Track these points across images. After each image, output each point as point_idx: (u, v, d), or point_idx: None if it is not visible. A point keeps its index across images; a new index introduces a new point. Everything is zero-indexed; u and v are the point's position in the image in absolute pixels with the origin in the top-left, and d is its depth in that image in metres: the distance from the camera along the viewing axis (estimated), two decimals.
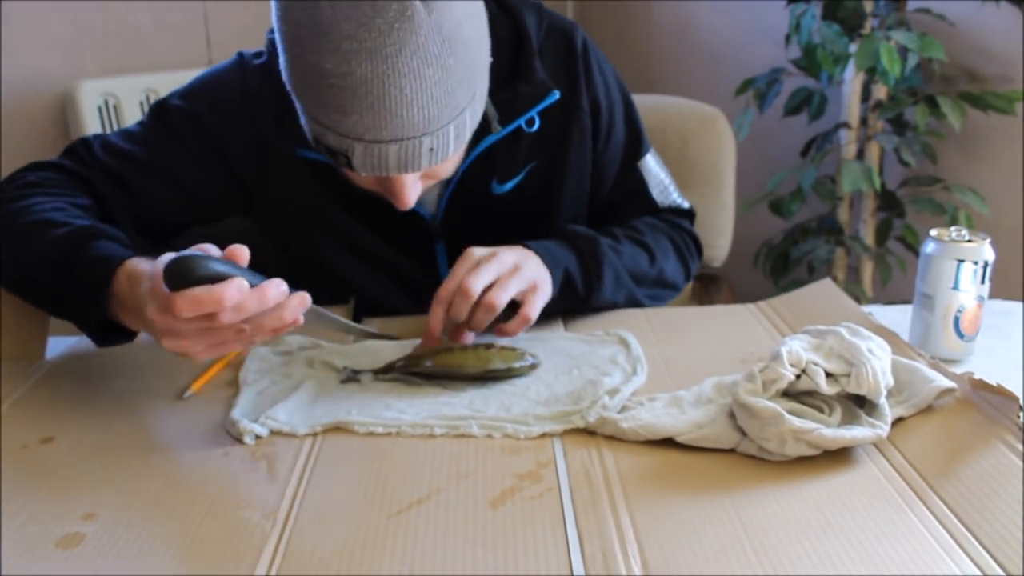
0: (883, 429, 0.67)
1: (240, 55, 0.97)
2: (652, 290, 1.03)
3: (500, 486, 0.65)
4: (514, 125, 0.94)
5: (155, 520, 0.62)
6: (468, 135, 0.82)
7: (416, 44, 0.71)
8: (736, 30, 2.35)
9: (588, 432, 0.73)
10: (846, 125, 2.02)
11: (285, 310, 0.69)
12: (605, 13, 2.59)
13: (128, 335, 0.81)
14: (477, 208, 0.97)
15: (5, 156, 1.93)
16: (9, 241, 0.85)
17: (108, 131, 1.04)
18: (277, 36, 0.78)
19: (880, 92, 1.98)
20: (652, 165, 1.07)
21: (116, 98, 1.95)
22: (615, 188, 1.06)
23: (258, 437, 0.73)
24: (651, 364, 0.85)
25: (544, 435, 0.72)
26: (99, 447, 0.73)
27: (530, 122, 0.95)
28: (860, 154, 2.03)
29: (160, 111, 0.96)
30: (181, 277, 0.65)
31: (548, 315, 0.94)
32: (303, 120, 0.81)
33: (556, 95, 0.95)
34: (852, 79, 2.00)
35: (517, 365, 0.81)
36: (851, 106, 2.02)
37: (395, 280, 1.03)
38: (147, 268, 0.73)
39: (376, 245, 1.00)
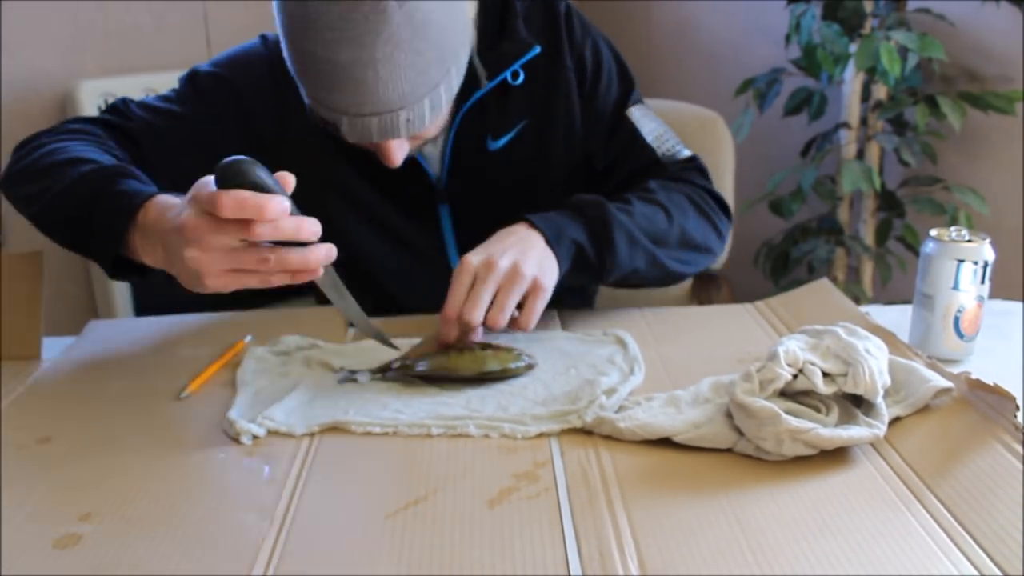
0: (880, 429, 0.67)
1: (263, 36, 1.07)
2: (680, 252, 1.00)
3: (497, 486, 0.65)
4: (499, 78, 1.01)
5: (152, 520, 0.62)
6: (445, 105, 0.91)
7: (389, 33, 0.81)
8: (736, 30, 2.35)
9: (585, 432, 0.73)
10: (846, 125, 2.02)
11: (311, 252, 0.73)
12: (605, 13, 2.58)
13: (140, 273, 0.85)
14: (476, 167, 1.04)
15: (5, 157, 1.93)
16: (39, 176, 0.91)
17: None
18: (278, 25, 0.88)
19: (880, 92, 1.98)
20: (639, 115, 1.07)
21: (116, 98, 1.95)
22: (610, 142, 1.06)
23: (255, 437, 0.73)
24: (648, 364, 0.85)
25: (541, 435, 0.72)
26: (96, 447, 0.73)
27: (515, 75, 1.02)
28: (860, 154, 2.03)
29: (191, 78, 1.05)
30: (233, 176, 0.67)
31: (570, 291, 0.97)
32: (303, 95, 0.91)
33: (537, 49, 1.02)
34: (852, 79, 1.99)
35: (512, 366, 0.81)
36: (851, 106, 2.01)
37: (400, 243, 1.09)
38: (181, 200, 0.76)
39: (383, 207, 1.06)
